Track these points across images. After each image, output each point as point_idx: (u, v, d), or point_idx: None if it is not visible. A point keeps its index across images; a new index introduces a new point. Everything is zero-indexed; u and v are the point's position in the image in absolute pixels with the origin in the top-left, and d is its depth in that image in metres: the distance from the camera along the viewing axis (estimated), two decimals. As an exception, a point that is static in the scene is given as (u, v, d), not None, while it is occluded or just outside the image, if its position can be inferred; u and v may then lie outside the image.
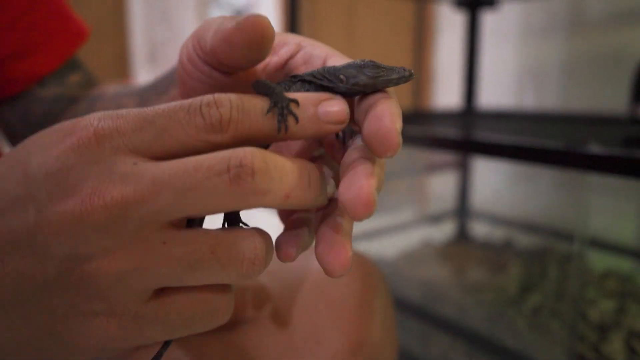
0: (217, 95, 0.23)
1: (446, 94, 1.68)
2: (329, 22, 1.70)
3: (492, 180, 1.42)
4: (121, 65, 3.86)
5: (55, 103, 0.50)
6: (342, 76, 0.26)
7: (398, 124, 0.24)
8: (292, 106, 0.25)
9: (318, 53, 0.30)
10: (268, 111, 0.24)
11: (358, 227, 1.47)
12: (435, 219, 1.49)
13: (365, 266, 0.47)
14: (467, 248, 1.28)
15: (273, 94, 0.24)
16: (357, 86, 0.26)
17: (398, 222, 1.50)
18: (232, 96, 0.23)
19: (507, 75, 1.43)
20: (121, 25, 3.94)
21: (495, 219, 1.43)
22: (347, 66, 0.26)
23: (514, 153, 0.69)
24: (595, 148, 0.60)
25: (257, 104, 0.24)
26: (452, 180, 1.54)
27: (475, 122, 1.16)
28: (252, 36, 0.25)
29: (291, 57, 0.31)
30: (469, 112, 1.29)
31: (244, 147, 0.23)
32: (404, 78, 0.26)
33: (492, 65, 1.42)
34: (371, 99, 0.25)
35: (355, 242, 1.37)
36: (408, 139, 0.87)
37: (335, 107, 0.25)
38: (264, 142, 0.25)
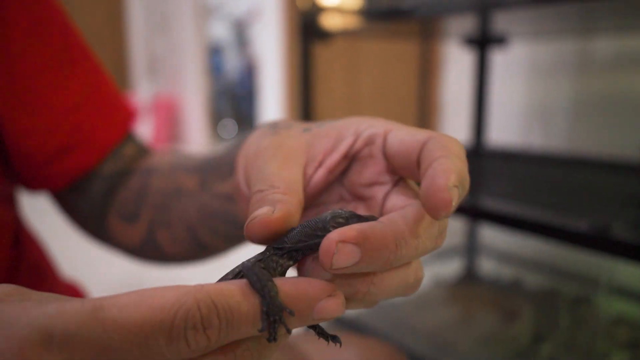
0: (203, 311, 0.20)
1: (453, 129, 1.67)
2: (333, 56, 1.70)
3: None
4: (120, 76, 3.84)
5: (113, 179, 0.50)
6: (318, 237, 0.24)
7: (452, 181, 0.22)
8: (285, 316, 0.22)
9: (376, 131, 0.29)
10: (261, 330, 0.22)
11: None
12: (442, 255, 1.48)
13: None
14: (476, 289, 1.27)
15: (265, 297, 0.22)
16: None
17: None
18: (220, 310, 0.20)
19: (514, 113, 1.43)
20: (120, 37, 3.93)
21: (503, 256, 1.43)
22: (333, 217, 0.24)
23: (532, 228, 0.68)
24: (619, 231, 0.60)
25: (249, 318, 0.21)
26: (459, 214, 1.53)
27: (484, 167, 1.15)
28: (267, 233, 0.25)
29: (351, 146, 0.29)
30: (477, 151, 1.29)
31: None
32: None
33: (500, 102, 1.41)
34: (432, 153, 0.24)
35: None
36: None
37: (333, 308, 0.22)
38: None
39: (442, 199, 0.22)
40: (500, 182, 1.00)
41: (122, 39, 3.95)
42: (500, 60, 1.41)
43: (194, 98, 3.63)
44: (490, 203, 0.77)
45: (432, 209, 0.22)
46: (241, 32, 4.96)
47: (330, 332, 0.26)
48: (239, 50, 5.03)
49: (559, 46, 1.31)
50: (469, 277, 1.39)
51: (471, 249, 1.43)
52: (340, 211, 0.25)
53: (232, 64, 5.07)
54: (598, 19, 1.01)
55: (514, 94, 1.43)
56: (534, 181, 1.00)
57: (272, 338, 0.22)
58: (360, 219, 0.24)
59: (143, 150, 0.53)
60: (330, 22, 1.03)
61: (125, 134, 0.51)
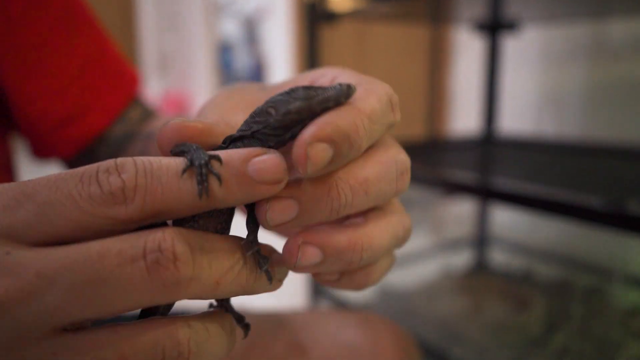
0: (119, 159, 0.19)
1: (464, 117, 1.64)
2: (340, 44, 1.68)
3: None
4: (131, 73, 3.86)
5: (120, 143, 0.49)
6: (270, 109, 0.22)
7: (317, 136, 0.20)
8: (213, 164, 0.20)
9: (345, 79, 0.26)
10: (184, 172, 0.19)
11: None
12: (452, 245, 1.46)
13: (400, 340, 0.47)
14: (487, 279, 1.25)
15: (189, 152, 0.20)
16: (289, 114, 0.21)
17: (412, 248, 1.47)
18: (139, 158, 0.19)
19: (526, 100, 1.40)
20: (131, 33, 3.94)
21: (514, 246, 1.40)
22: (274, 96, 0.22)
23: (546, 206, 0.66)
24: (635, 207, 0.57)
25: (170, 165, 0.19)
26: (468, 203, 1.50)
27: (495, 154, 1.13)
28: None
29: None
30: (488, 140, 1.26)
31: (163, 227, 0.19)
32: (343, 94, 0.22)
33: (511, 90, 1.38)
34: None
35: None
36: (421, 180, 0.85)
37: (268, 162, 0.20)
38: (183, 214, 0.20)
39: (297, 155, 0.20)
40: (512, 167, 0.98)
41: (133, 36, 3.97)
42: (512, 46, 1.38)
43: (203, 95, 3.63)
44: (502, 182, 0.75)
45: (294, 162, 0.21)
46: (251, 29, 4.96)
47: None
48: (248, 48, 5.04)
49: (572, 31, 1.28)
50: (480, 268, 1.36)
51: (481, 239, 1.40)
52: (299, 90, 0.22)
53: (241, 61, 5.08)
54: (613, 1, 0.98)
55: (526, 81, 1.41)
56: (547, 167, 0.97)
57: (203, 186, 0.19)
58: (311, 89, 0.22)
59: (148, 113, 0.52)
60: (336, 3, 1.01)
61: (132, 98, 0.51)
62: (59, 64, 0.46)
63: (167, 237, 0.18)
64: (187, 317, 0.20)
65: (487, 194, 0.77)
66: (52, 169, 0.56)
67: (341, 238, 0.22)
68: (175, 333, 0.19)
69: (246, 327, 0.25)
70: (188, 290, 0.18)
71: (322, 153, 0.20)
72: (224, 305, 0.25)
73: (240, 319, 0.25)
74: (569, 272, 1.27)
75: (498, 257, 1.40)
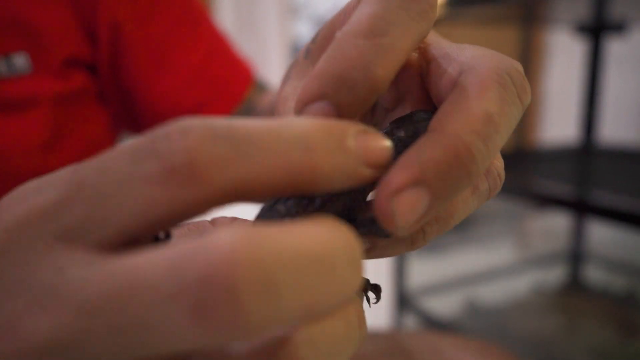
0: (182, 121, 0.13)
1: (557, 125, 1.55)
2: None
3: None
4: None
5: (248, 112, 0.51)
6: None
7: (405, 181, 0.15)
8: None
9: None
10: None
11: (458, 270, 1.40)
12: (543, 260, 1.38)
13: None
14: (583, 298, 1.17)
15: None
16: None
17: (500, 261, 1.41)
18: (214, 119, 0.14)
19: (630, 107, 1.30)
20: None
21: (614, 264, 1.30)
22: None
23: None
24: None
25: (268, 127, 0.14)
26: (559, 217, 1.42)
27: (594, 165, 1.05)
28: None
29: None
30: (586, 149, 1.18)
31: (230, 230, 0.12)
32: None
33: (614, 96, 1.29)
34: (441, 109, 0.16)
35: (454, 285, 1.29)
36: (509, 191, 0.80)
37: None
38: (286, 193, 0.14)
39: (380, 213, 0.15)
40: (614, 180, 0.91)
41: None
42: (616, 49, 1.28)
43: (277, 96, 3.69)
44: (602, 196, 0.70)
45: (380, 222, 0.15)
46: (324, 31, 4.98)
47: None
48: (321, 49, 5.06)
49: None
50: (575, 286, 1.28)
51: (577, 255, 1.31)
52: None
53: (314, 62, 5.11)
54: None
55: (631, 86, 1.30)
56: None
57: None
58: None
59: (261, 89, 0.53)
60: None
61: (251, 83, 0.52)
62: (186, 57, 0.47)
63: (226, 259, 0.11)
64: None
65: (584, 209, 0.72)
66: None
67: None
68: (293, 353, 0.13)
69: (377, 293, 0.20)
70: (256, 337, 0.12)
71: (412, 203, 0.15)
72: None
73: (375, 289, 0.20)
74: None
75: (594, 275, 1.30)
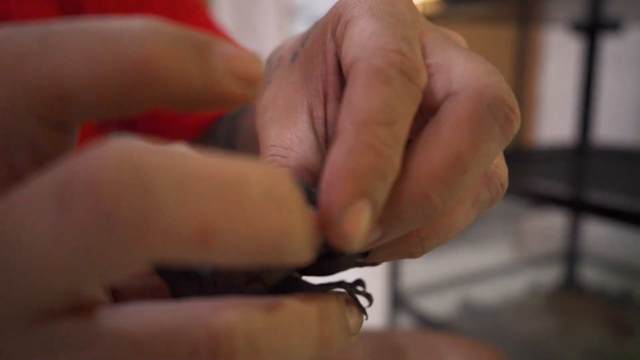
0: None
1: (552, 124, 1.55)
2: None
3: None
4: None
5: (234, 118, 0.49)
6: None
7: (352, 193, 0.13)
8: None
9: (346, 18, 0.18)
10: None
11: (453, 269, 1.39)
12: (538, 260, 1.37)
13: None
14: (578, 299, 1.16)
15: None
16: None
17: (495, 261, 1.40)
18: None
19: (626, 107, 1.29)
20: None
21: (609, 264, 1.30)
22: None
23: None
24: None
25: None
26: (555, 217, 1.41)
27: (590, 164, 1.04)
28: None
29: (337, 54, 0.20)
30: (582, 149, 1.17)
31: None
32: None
33: (610, 95, 1.28)
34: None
35: (449, 285, 1.28)
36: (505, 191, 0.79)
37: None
38: None
39: (332, 235, 0.14)
40: (609, 179, 0.90)
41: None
42: (612, 48, 1.28)
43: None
44: (597, 195, 0.69)
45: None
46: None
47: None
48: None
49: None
50: (570, 286, 1.27)
51: (572, 255, 1.31)
52: None
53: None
54: None
55: (627, 85, 1.30)
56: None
57: None
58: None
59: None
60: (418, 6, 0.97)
61: None
62: None
63: (98, 158, 0.10)
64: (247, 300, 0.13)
65: (580, 207, 0.71)
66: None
67: (392, 195, 0.15)
68: (210, 321, 0.12)
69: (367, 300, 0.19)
70: None
71: (359, 221, 0.13)
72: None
73: (365, 296, 0.18)
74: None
75: (590, 275, 1.30)
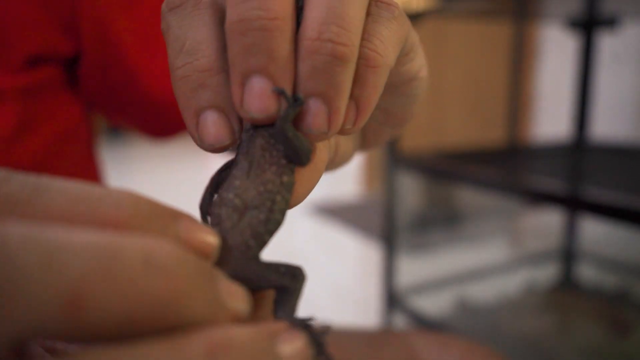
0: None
1: (550, 121, 1.54)
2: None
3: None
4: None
5: None
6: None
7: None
8: None
9: None
10: None
11: (449, 268, 1.38)
12: (535, 258, 1.37)
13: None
14: (575, 297, 1.15)
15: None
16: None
17: (492, 259, 1.39)
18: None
19: (623, 103, 1.28)
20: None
21: (606, 262, 1.29)
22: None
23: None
24: None
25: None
26: (552, 214, 1.40)
27: (587, 161, 1.04)
28: None
29: None
30: (578, 146, 1.17)
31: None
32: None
33: (606, 92, 1.28)
34: None
35: (445, 284, 1.28)
36: (501, 188, 0.78)
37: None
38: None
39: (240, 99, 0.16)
40: (606, 176, 0.89)
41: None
42: (608, 45, 1.27)
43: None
44: (594, 192, 0.68)
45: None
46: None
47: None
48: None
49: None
50: (567, 284, 1.26)
51: (569, 253, 1.30)
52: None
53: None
54: None
55: (624, 82, 1.29)
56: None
57: None
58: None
59: None
60: (416, 1, 0.96)
61: None
62: None
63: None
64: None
65: (577, 205, 0.71)
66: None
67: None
68: None
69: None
70: None
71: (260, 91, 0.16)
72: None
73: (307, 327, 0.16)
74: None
75: (587, 273, 1.29)
